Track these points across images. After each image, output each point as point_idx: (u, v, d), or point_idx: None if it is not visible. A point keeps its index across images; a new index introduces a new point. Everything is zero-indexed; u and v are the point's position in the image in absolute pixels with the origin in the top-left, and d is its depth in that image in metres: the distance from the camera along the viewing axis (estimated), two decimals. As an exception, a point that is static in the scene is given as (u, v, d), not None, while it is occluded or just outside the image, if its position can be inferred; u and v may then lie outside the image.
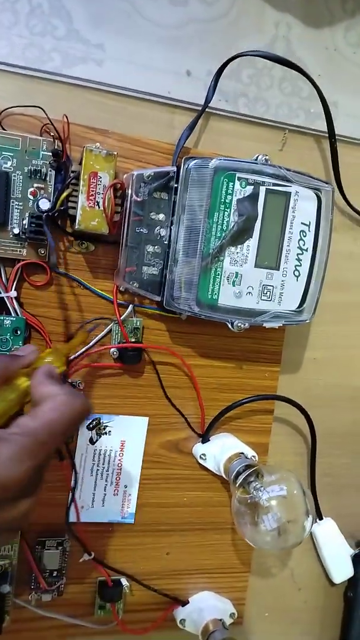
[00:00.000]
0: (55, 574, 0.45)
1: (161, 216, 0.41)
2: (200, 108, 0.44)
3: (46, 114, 0.40)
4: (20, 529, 0.32)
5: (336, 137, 0.47)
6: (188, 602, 0.49)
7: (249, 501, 0.42)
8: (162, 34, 0.43)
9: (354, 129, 0.50)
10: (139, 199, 0.40)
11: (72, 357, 0.41)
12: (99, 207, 0.38)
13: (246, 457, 0.45)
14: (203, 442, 0.47)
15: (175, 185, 0.40)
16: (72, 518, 0.44)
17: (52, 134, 0.39)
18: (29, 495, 0.29)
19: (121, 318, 0.43)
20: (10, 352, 0.40)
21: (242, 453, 0.45)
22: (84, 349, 0.42)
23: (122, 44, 0.43)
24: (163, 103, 0.44)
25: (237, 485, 0.41)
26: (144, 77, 0.43)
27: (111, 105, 0.43)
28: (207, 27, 0.45)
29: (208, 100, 0.44)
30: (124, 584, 0.47)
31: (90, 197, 0.37)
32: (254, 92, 0.47)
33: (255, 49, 0.45)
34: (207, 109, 0.45)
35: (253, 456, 0.46)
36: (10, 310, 0.40)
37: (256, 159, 0.41)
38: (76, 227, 0.38)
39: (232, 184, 0.40)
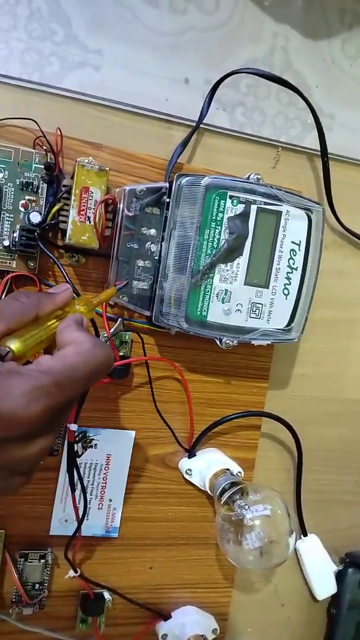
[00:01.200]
0: (37, 586, 0.44)
1: (152, 231, 0.41)
2: (195, 122, 0.44)
3: (39, 127, 0.40)
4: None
5: (329, 156, 0.48)
6: (170, 617, 0.48)
7: (232, 519, 0.42)
8: (160, 41, 0.44)
9: (349, 143, 0.50)
10: (130, 214, 0.40)
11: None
12: (89, 222, 0.38)
13: (232, 474, 0.45)
14: (189, 457, 0.47)
15: (167, 201, 0.40)
16: (55, 531, 0.44)
17: (44, 147, 0.39)
18: (39, 437, 0.27)
19: (111, 331, 0.43)
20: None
21: (228, 469, 0.45)
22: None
23: (120, 50, 0.43)
24: (158, 118, 0.45)
25: (222, 502, 0.41)
26: (141, 83, 0.43)
27: (106, 118, 0.43)
28: (206, 35, 0.45)
29: (202, 116, 0.44)
30: (106, 597, 0.47)
31: (81, 212, 0.37)
32: (252, 102, 0.47)
33: (254, 58, 0.46)
34: (201, 125, 0.45)
35: (239, 472, 0.46)
36: None
37: (248, 178, 0.41)
38: (66, 241, 0.38)
39: (223, 202, 0.40)
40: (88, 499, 0.45)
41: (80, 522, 0.42)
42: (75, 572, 0.44)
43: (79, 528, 0.43)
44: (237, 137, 0.47)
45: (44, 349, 0.33)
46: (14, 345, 0.29)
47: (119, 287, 0.40)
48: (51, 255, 0.38)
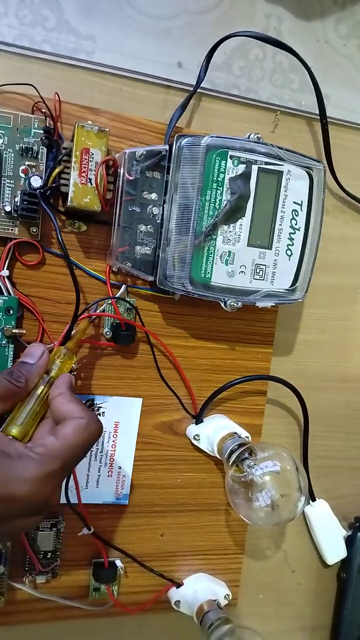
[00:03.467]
0: (49, 555, 0.44)
1: (154, 195, 0.41)
2: (192, 89, 0.44)
3: (38, 92, 0.39)
4: (18, 537, 0.37)
5: (327, 119, 0.47)
6: (182, 584, 0.49)
7: (242, 479, 0.42)
8: (153, 25, 0.43)
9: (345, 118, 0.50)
10: (131, 178, 0.40)
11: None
12: (91, 184, 0.38)
13: (239, 437, 0.45)
14: (197, 423, 0.47)
15: (168, 164, 0.40)
16: (64, 500, 0.44)
17: (43, 110, 0.39)
18: (40, 513, 0.31)
19: (114, 298, 0.43)
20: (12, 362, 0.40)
21: (236, 433, 0.45)
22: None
23: (113, 35, 0.42)
24: (157, 83, 0.44)
25: (230, 463, 0.41)
26: (135, 67, 0.43)
27: (104, 85, 0.43)
28: (199, 18, 0.45)
29: (200, 79, 0.44)
30: (118, 565, 0.47)
31: (83, 174, 0.37)
32: (245, 84, 0.47)
33: (248, 39, 0.45)
34: (199, 90, 0.45)
35: (246, 436, 0.46)
36: (3, 289, 0.40)
37: (248, 138, 0.41)
38: (68, 204, 0.38)
39: (224, 162, 0.40)
40: (97, 467, 0.45)
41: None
42: (89, 529, 0.44)
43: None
44: (236, 102, 0.47)
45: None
46: (15, 431, 0.33)
47: (91, 319, 0.42)
48: (50, 212, 0.37)
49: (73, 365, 0.43)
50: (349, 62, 0.50)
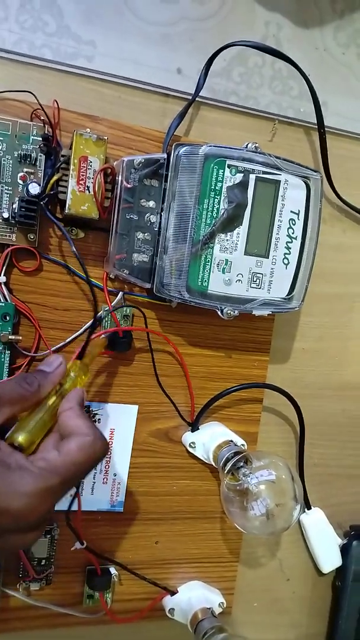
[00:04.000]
0: (43, 562, 0.44)
1: (151, 203, 0.41)
2: (191, 98, 0.44)
3: (37, 99, 0.40)
4: (15, 554, 0.36)
5: (325, 129, 0.48)
6: (177, 592, 0.49)
7: (237, 487, 0.42)
8: (153, 31, 0.44)
9: (343, 127, 0.50)
10: (129, 186, 0.40)
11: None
12: (89, 192, 0.38)
13: (235, 445, 0.45)
14: (192, 430, 0.47)
15: (166, 172, 0.40)
16: (59, 506, 0.44)
17: (42, 117, 0.39)
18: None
19: (112, 304, 0.43)
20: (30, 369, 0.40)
21: (231, 441, 0.45)
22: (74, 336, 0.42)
23: (113, 41, 0.43)
24: (155, 92, 0.45)
25: (225, 471, 0.41)
26: (134, 74, 0.43)
27: (103, 92, 0.43)
28: (198, 25, 0.45)
29: (199, 88, 0.44)
30: (112, 572, 0.47)
31: (81, 182, 0.37)
32: (244, 91, 0.47)
33: (246, 47, 0.46)
34: (197, 99, 0.45)
35: (242, 444, 0.46)
36: None
37: (246, 147, 0.41)
38: (66, 211, 0.38)
39: (222, 171, 0.40)
40: (92, 474, 0.45)
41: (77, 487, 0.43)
42: (82, 544, 0.44)
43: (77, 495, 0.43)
44: (234, 110, 0.47)
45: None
46: (22, 438, 0.32)
47: (109, 335, 0.42)
48: (54, 219, 0.38)
49: (87, 378, 0.43)
50: (348, 70, 0.50)
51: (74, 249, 0.37)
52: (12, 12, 0.40)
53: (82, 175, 0.37)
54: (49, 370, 0.35)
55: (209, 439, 0.46)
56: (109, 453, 0.46)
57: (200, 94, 0.44)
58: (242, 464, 0.41)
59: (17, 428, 0.33)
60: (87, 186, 0.38)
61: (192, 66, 0.45)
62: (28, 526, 0.29)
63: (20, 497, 0.28)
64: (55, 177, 0.38)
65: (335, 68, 0.50)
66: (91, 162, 0.37)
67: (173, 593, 0.48)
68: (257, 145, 0.41)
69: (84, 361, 0.38)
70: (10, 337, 0.40)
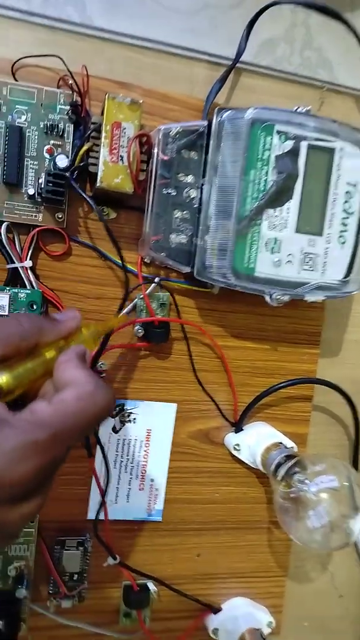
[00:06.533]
0: (75, 577, 0.40)
1: (190, 178, 0.37)
2: (231, 63, 0.40)
3: (65, 64, 0.36)
4: (16, 536, 0.28)
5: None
6: (221, 609, 0.44)
7: (292, 495, 0.37)
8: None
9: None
10: (166, 158, 0.36)
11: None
12: (122, 162, 0.34)
13: (285, 447, 0.40)
14: (236, 431, 0.43)
15: (207, 142, 0.36)
16: (93, 515, 0.40)
17: (70, 82, 0.35)
18: (31, 498, 0.24)
19: (147, 292, 0.39)
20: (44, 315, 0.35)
21: (281, 443, 0.40)
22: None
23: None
24: (193, 57, 0.40)
25: (278, 478, 0.36)
26: (170, 41, 0.40)
27: (136, 59, 0.39)
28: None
29: (240, 52, 0.40)
30: (151, 588, 0.43)
31: (113, 151, 0.33)
32: (288, 57, 0.42)
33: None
34: (238, 64, 0.40)
35: (292, 447, 0.41)
36: (25, 282, 0.36)
37: (296, 110, 0.36)
38: (97, 184, 0.34)
39: (270, 138, 0.36)
40: (128, 480, 0.41)
41: (103, 495, 0.39)
42: (114, 558, 0.40)
43: (102, 504, 0.39)
44: (278, 77, 0.43)
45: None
46: (4, 378, 0.26)
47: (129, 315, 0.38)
48: (85, 195, 0.34)
49: (101, 365, 0.39)
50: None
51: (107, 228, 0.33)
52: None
53: (115, 143, 0.33)
54: (59, 318, 0.30)
55: (255, 441, 0.42)
56: (146, 455, 0.41)
57: (242, 48, 0.39)
58: (297, 469, 0.36)
59: (1, 366, 0.26)
60: (121, 156, 0.34)
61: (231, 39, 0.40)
62: (12, 495, 0.23)
63: None
64: (85, 147, 0.34)
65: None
66: (125, 128, 0.33)
67: (217, 610, 0.44)
68: (309, 108, 0.37)
69: (96, 328, 0.32)
70: (37, 327, 0.36)
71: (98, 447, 0.40)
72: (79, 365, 0.27)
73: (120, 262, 0.38)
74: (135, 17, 0.39)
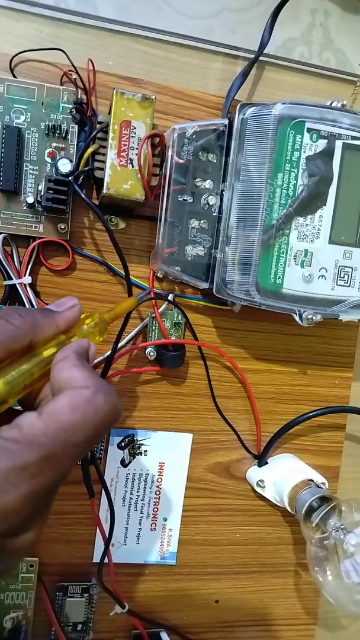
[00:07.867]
0: (79, 627, 0.36)
1: (208, 183, 0.33)
2: (254, 56, 0.36)
3: (68, 58, 0.32)
4: (12, 570, 0.24)
5: None
6: (242, 662, 0.40)
7: (325, 542, 0.32)
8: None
9: None
10: (181, 161, 0.32)
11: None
12: (132, 166, 0.30)
13: (317, 486, 0.35)
14: (260, 465, 0.38)
15: (227, 143, 0.32)
16: (99, 557, 0.36)
17: (74, 78, 0.32)
18: (24, 530, 0.20)
19: (159, 311, 0.35)
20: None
21: (312, 480, 0.36)
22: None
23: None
24: (210, 50, 0.37)
25: (312, 524, 0.32)
26: (184, 32, 0.36)
27: (148, 52, 0.36)
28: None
29: (263, 44, 0.36)
30: (164, 638, 0.38)
31: (122, 153, 0.29)
32: (317, 49, 0.39)
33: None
34: (261, 57, 0.36)
35: (322, 483, 0.37)
36: (24, 300, 0.32)
37: (330, 105, 0.32)
38: (104, 191, 0.30)
39: (300, 136, 0.31)
40: (138, 518, 0.37)
41: (107, 541, 0.34)
42: (122, 607, 0.36)
43: (106, 549, 0.34)
44: (305, 71, 0.39)
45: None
46: None
47: (140, 296, 0.33)
48: (90, 203, 0.30)
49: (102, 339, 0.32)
50: None
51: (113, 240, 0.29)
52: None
53: (124, 145, 0.29)
54: (55, 309, 0.26)
55: (281, 476, 0.37)
56: (158, 492, 0.37)
57: (265, 41, 0.35)
58: (333, 514, 0.32)
59: None
60: (130, 159, 0.30)
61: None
62: (5, 526, 0.19)
63: None
64: (90, 149, 0.30)
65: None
66: (135, 128, 0.30)
67: (237, 663, 0.39)
68: (344, 102, 0.32)
69: (103, 316, 0.28)
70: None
71: (102, 486, 0.36)
72: (76, 363, 0.23)
73: (123, 274, 0.34)
74: (148, 24, 0.35)
